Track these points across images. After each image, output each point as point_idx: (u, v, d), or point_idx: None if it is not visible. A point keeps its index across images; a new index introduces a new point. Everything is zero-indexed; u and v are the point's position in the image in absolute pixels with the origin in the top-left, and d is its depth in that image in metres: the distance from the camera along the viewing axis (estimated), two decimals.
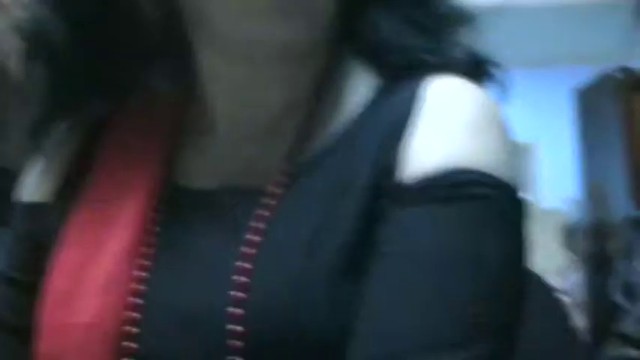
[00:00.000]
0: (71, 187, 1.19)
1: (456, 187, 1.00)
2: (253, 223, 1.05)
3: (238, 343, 0.99)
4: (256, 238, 1.05)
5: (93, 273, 1.12)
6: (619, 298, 1.78)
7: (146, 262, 1.10)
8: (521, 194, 1.03)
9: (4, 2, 1.81)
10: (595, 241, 3.30)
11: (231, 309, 1.01)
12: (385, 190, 1.03)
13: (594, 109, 3.10)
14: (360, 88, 1.13)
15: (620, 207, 3.00)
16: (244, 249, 1.03)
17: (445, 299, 0.98)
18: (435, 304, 0.99)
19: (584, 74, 3.03)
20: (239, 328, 1.00)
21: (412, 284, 0.99)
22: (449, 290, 0.98)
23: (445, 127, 1.05)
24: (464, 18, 1.14)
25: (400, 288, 1.00)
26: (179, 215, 1.14)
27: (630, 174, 2.92)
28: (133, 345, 1.05)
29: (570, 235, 3.79)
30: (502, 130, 1.06)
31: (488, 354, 0.95)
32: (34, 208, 1.24)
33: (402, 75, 1.10)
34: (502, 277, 1.01)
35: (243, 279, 1.02)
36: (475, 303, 0.98)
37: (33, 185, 1.26)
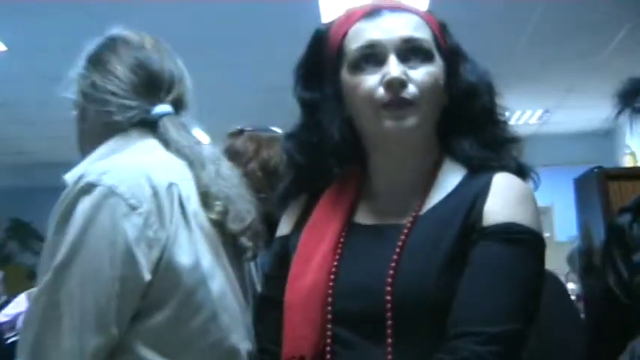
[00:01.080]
0: (301, 224, 1.36)
1: (510, 233, 1.18)
2: (398, 242, 1.22)
3: (389, 306, 1.16)
4: (399, 250, 1.21)
5: (311, 263, 1.26)
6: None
7: (338, 258, 1.26)
8: (544, 236, 1.23)
9: (277, 137, 1.93)
10: (586, 258, 3.32)
11: (386, 287, 1.17)
12: (473, 231, 1.20)
13: (586, 189, 3.20)
14: (454, 176, 1.27)
15: (598, 240, 3.03)
16: (393, 255, 1.21)
17: (500, 295, 1.14)
18: (493, 297, 1.14)
19: (580, 170, 3.26)
20: (389, 297, 1.17)
21: (484, 284, 1.15)
22: (502, 290, 1.14)
23: (505, 200, 1.21)
24: (514, 140, 1.32)
25: (477, 285, 1.16)
26: (355, 236, 1.30)
27: (606, 226, 2.88)
28: (332, 300, 1.23)
29: (572, 256, 3.72)
30: (534, 202, 1.24)
31: (518, 329, 1.12)
32: (283, 238, 1.40)
33: (478, 171, 1.26)
34: (530, 286, 1.17)
35: (392, 272, 1.18)
36: (515, 299, 1.14)
37: (282, 226, 1.41)
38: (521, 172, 1.29)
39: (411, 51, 1.25)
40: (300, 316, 1.23)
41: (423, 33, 1.27)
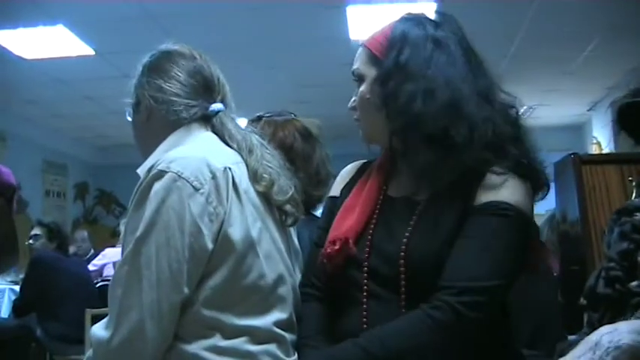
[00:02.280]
0: (347, 191, 1.37)
1: (497, 208, 1.16)
2: (414, 215, 1.22)
3: (403, 269, 1.17)
4: (414, 222, 1.21)
5: (347, 224, 1.27)
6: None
7: (372, 226, 1.27)
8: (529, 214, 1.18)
9: (290, 119, 1.92)
10: (562, 227, 3.25)
11: (402, 254, 1.18)
12: (467, 210, 1.18)
13: (563, 171, 3.10)
14: (455, 170, 1.21)
15: (573, 215, 3.03)
16: (409, 227, 1.21)
17: (486, 257, 1.13)
18: (481, 259, 1.13)
19: (558, 156, 3.03)
20: (403, 262, 1.18)
21: (473, 249, 1.14)
22: (488, 253, 1.13)
23: (496, 186, 1.18)
24: (513, 140, 1.23)
25: (467, 250, 1.14)
26: (385, 207, 1.29)
27: (579, 202, 2.93)
28: (365, 262, 1.23)
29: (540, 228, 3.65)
30: (523, 189, 1.19)
31: (502, 284, 1.13)
32: (333, 198, 1.42)
33: (476, 166, 1.20)
34: (513, 251, 1.15)
35: (405, 240, 1.19)
36: (498, 261, 1.13)
37: (334, 188, 1.43)
38: (521, 171, 1.21)
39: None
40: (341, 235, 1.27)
41: (358, 63, 1.30)
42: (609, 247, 1.47)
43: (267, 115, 1.91)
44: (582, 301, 1.48)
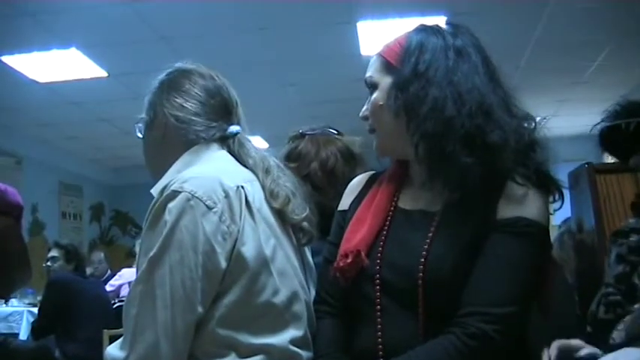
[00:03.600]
0: (356, 204, 1.35)
1: (518, 226, 1.13)
2: (432, 227, 1.20)
3: (421, 282, 1.14)
4: (431, 235, 1.18)
5: (358, 236, 1.25)
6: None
7: (382, 238, 1.25)
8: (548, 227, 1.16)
9: (332, 138, 1.87)
10: (578, 237, 3.24)
11: (420, 266, 1.15)
12: (487, 224, 1.15)
13: (578, 181, 3.10)
14: (471, 177, 1.17)
15: (589, 224, 3.02)
16: (426, 240, 1.18)
17: (517, 282, 1.11)
18: (500, 281, 1.10)
19: (572, 166, 3.05)
20: (421, 274, 1.15)
21: (492, 270, 1.12)
22: (508, 277, 1.11)
23: (515, 198, 1.16)
24: (530, 149, 1.21)
25: (487, 272, 1.12)
26: (397, 220, 1.27)
27: (594, 211, 2.94)
28: (377, 275, 1.21)
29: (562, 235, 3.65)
30: (541, 200, 1.17)
31: (518, 312, 1.09)
32: (342, 212, 1.39)
33: (494, 174, 1.17)
34: (532, 274, 1.13)
35: (425, 253, 1.16)
36: (516, 285, 1.10)
37: (343, 201, 1.40)
38: (540, 181, 1.20)
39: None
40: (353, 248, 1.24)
41: (371, 71, 1.29)
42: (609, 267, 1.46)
43: (310, 132, 1.88)
44: (588, 328, 1.48)
